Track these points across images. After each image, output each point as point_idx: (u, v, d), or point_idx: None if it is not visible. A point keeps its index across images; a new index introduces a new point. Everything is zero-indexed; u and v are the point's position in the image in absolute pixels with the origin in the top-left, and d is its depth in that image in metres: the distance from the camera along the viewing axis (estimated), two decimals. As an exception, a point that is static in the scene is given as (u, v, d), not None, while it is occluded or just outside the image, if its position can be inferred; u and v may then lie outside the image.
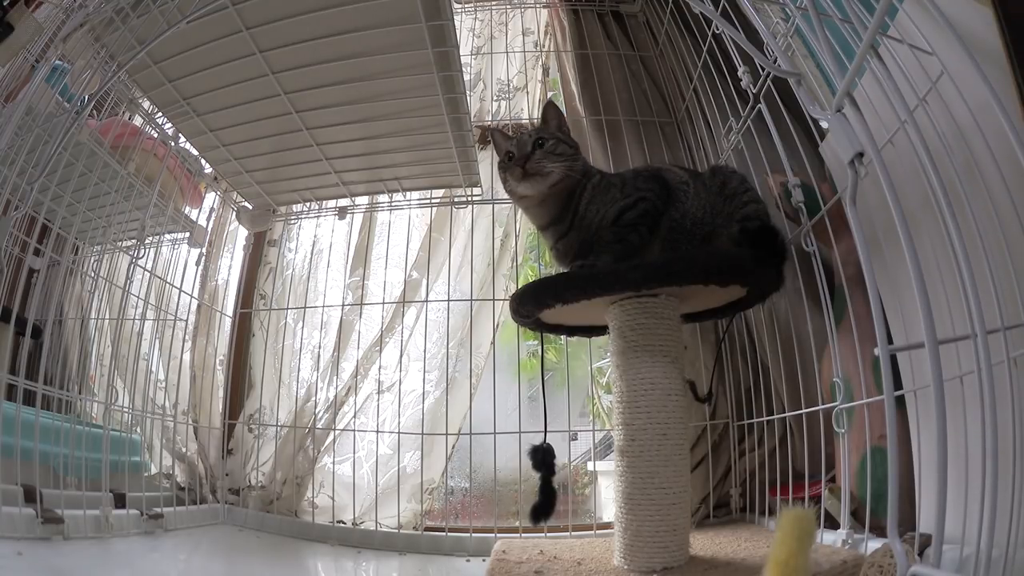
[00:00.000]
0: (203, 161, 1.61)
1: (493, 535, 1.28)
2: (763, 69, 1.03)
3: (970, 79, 0.63)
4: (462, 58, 1.33)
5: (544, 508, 1.00)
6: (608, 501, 1.58)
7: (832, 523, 0.94)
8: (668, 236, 0.96)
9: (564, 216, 0.98)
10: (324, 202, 1.72)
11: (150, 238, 1.52)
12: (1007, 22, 0.65)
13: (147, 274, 1.45)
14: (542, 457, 1.02)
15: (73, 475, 1.09)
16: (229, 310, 1.73)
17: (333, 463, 1.49)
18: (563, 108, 1.69)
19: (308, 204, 1.73)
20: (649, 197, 0.95)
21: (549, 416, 1.09)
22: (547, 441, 1.05)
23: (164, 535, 1.19)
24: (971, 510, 0.57)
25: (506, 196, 1.07)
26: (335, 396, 1.53)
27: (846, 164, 0.57)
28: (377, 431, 1.49)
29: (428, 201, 1.65)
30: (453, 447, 1.48)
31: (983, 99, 0.60)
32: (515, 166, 0.96)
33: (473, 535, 1.32)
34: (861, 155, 0.56)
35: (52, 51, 1.17)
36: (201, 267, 1.71)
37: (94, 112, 1.27)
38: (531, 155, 0.96)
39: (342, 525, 1.40)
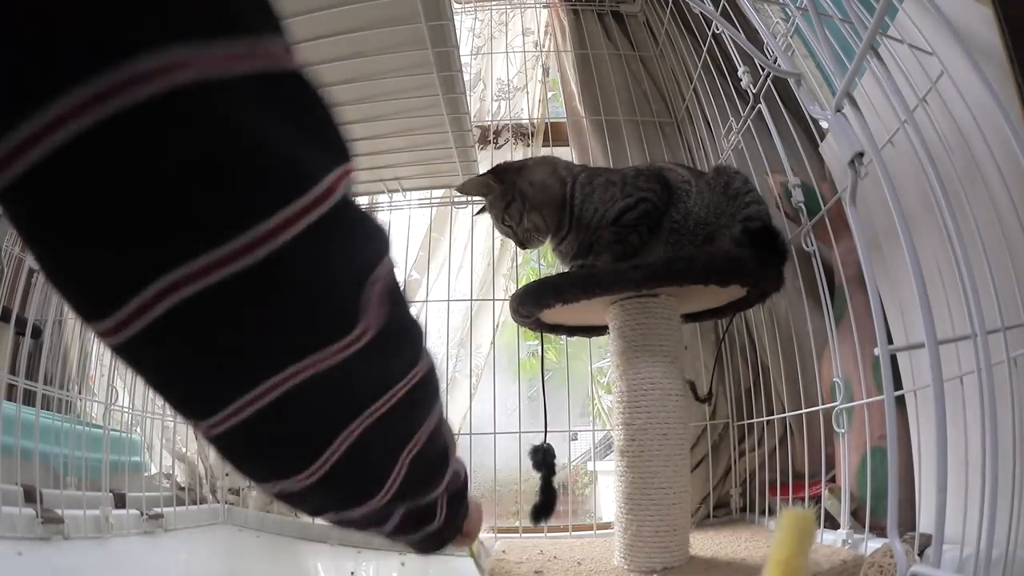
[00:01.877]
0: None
1: (493, 535, 1.28)
2: (763, 69, 1.03)
3: (970, 79, 0.63)
4: (462, 58, 1.33)
5: (544, 508, 1.00)
6: (608, 501, 1.58)
7: (832, 523, 0.94)
8: (670, 236, 0.96)
9: (560, 224, 0.99)
10: (324, 202, 1.72)
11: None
12: (1007, 22, 0.65)
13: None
14: (542, 457, 1.02)
15: (73, 475, 1.09)
16: (229, 310, 1.73)
17: (333, 463, 1.48)
18: (563, 108, 1.70)
19: (308, 204, 1.72)
20: (650, 198, 0.95)
21: (549, 416, 1.09)
22: (547, 441, 1.05)
23: (164, 535, 1.19)
24: (971, 510, 0.57)
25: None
26: (335, 396, 1.53)
27: (846, 164, 0.57)
28: (377, 431, 1.48)
29: (428, 201, 1.65)
30: (453, 447, 1.48)
31: (983, 99, 0.60)
32: (513, 241, 1.03)
33: (473, 535, 1.32)
34: (861, 155, 0.56)
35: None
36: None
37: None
38: (519, 235, 1.00)
39: (342, 525, 1.40)
